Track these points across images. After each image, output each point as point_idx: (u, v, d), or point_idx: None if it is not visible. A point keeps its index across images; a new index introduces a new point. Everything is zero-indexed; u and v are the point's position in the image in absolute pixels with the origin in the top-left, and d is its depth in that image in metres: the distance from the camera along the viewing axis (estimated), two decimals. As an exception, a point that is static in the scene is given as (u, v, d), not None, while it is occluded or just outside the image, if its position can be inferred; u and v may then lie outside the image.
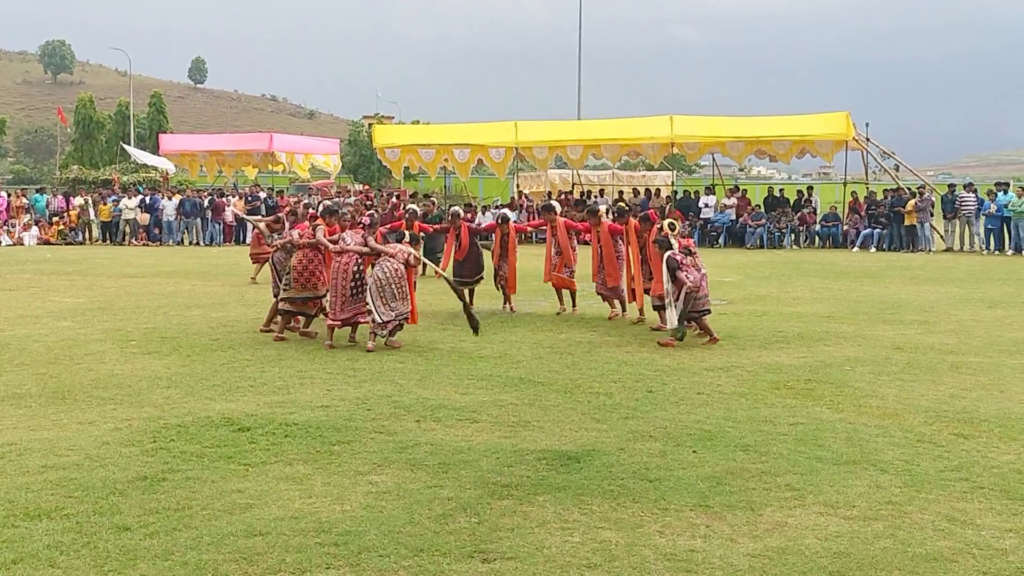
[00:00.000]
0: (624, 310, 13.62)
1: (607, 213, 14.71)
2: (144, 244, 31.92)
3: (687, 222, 30.37)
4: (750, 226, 29.47)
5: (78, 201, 33.71)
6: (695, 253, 11.81)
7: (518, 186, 39.44)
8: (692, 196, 32.26)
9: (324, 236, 11.49)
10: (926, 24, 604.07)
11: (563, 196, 35.15)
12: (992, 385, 9.09)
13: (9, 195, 35.13)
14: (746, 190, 33.28)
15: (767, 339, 11.70)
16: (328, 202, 18.56)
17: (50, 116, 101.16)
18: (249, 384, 9.13)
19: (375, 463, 6.50)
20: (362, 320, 11.26)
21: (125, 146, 43.32)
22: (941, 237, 28.39)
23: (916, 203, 27.26)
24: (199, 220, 32.60)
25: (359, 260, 11.27)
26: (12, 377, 9.45)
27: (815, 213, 30.44)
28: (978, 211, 26.94)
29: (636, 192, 34.62)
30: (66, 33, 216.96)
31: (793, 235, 29.50)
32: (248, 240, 21.32)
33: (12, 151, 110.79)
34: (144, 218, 32.70)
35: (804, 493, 5.90)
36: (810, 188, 33.41)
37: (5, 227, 32.08)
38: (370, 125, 56.13)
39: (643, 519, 5.47)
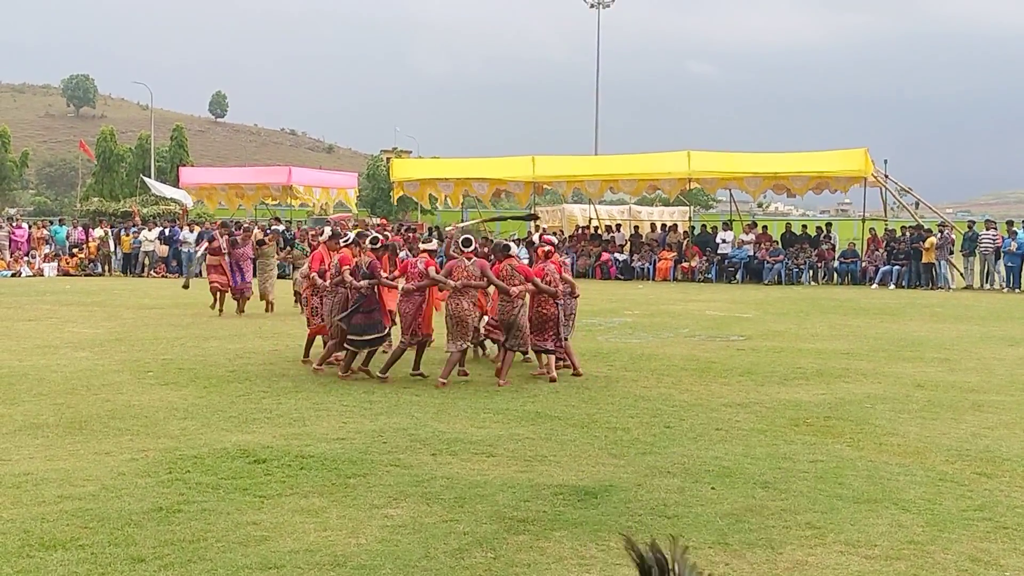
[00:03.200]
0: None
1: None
2: (162, 276, 32.06)
3: (704, 257, 30.36)
4: (768, 262, 29.38)
5: (98, 233, 33.96)
6: None
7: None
8: (710, 231, 32.21)
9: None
10: (945, 61, 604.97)
11: (580, 230, 35.20)
12: (1015, 424, 8.99)
13: (30, 226, 35.43)
14: (766, 226, 33.24)
15: (786, 375, 11.62)
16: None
17: (72, 149, 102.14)
18: (265, 416, 9.12)
19: (391, 496, 6.47)
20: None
21: (145, 179, 43.63)
22: (961, 275, 28.23)
23: (936, 240, 27.13)
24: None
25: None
26: (30, 407, 9.47)
27: (833, 249, 30.33)
28: (999, 249, 26.76)
29: (653, 227, 34.62)
30: (89, 67, 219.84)
31: (811, 271, 29.38)
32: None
33: (34, 183, 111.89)
34: (163, 250, 32.90)
35: (825, 532, 5.82)
36: (828, 224, 33.32)
37: (26, 258, 32.32)
38: (388, 159, 56.43)
39: (661, 556, 5.39)
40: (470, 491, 6.59)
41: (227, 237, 19.14)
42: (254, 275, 19.45)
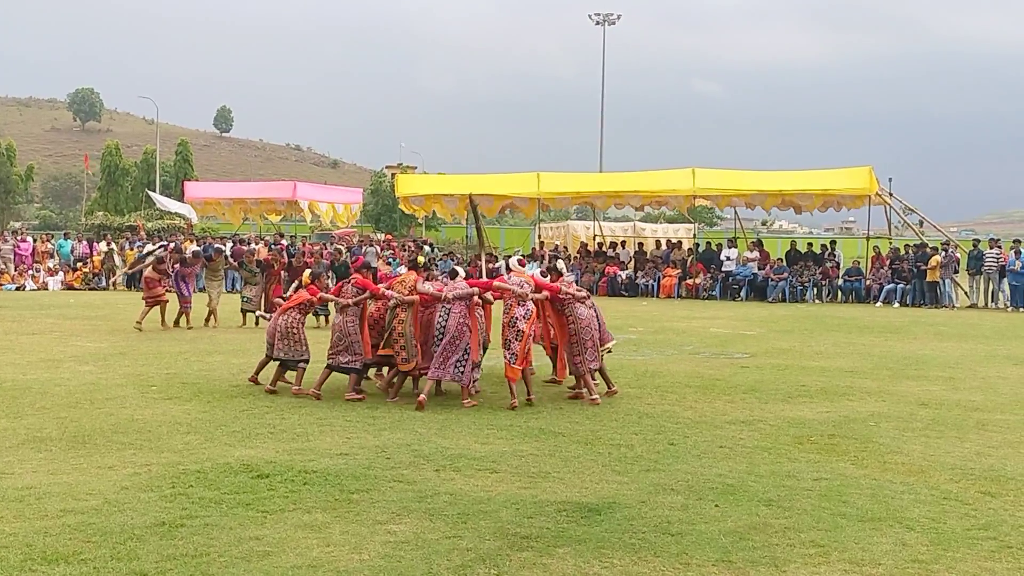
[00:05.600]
0: None
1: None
2: (167, 290, 32.02)
3: (709, 275, 30.35)
4: (772, 280, 29.37)
5: (102, 247, 34.01)
6: None
7: (539, 236, 39.52)
8: (714, 249, 32.21)
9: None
10: (949, 81, 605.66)
11: (584, 247, 35.23)
12: (1019, 443, 8.96)
13: (35, 240, 35.51)
14: (762, 241, 33.21)
15: (790, 393, 11.60)
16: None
17: (77, 163, 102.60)
18: (268, 431, 9.11)
19: (394, 512, 6.46)
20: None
21: (150, 193, 43.76)
22: (965, 293, 28.19)
23: (940, 259, 27.11)
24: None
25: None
26: (33, 421, 9.47)
27: (838, 267, 30.32)
28: (1004, 268, 26.72)
29: (658, 244, 34.64)
30: (95, 81, 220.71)
31: (815, 289, 29.37)
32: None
33: (39, 197, 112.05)
34: (168, 264, 32.90)
35: (829, 550, 5.81)
36: (833, 242, 33.32)
37: (30, 272, 32.37)
38: (393, 175, 56.56)
39: (665, 574, 5.39)
40: (473, 507, 6.58)
41: (176, 259, 19.38)
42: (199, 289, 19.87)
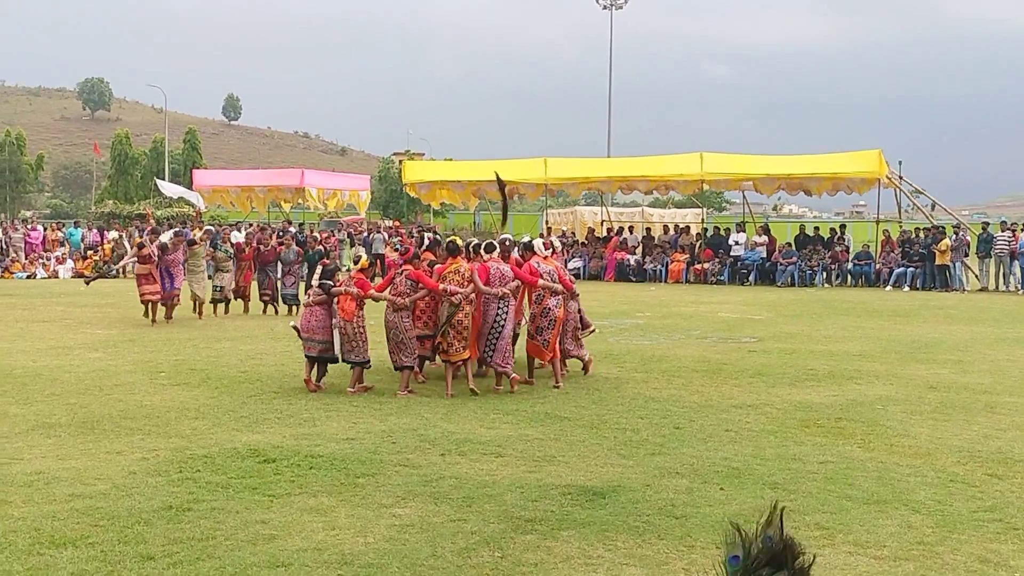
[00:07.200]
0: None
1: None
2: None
3: (717, 259, 30.27)
4: (781, 264, 29.28)
5: (112, 235, 34.12)
6: None
7: (547, 222, 39.45)
8: (722, 233, 32.12)
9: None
10: (960, 63, 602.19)
11: (591, 233, 35.16)
12: (1027, 425, 8.94)
13: (45, 229, 35.64)
14: (769, 226, 33.08)
15: (797, 377, 11.58)
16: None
17: (87, 152, 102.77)
18: (276, 416, 9.15)
19: (399, 496, 6.48)
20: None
21: (158, 181, 43.82)
22: (976, 276, 28.08)
23: (951, 242, 26.99)
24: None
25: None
26: (43, 407, 9.53)
27: (847, 251, 30.20)
28: (1015, 251, 26.59)
29: (666, 229, 34.56)
30: (104, 71, 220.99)
31: (825, 273, 29.27)
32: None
33: (49, 186, 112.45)
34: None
35: (834, 532, 5.81)
36: (843, 226, 33.19)
37: (41, 260, 32.50)
38: (400, 162, 56.46)
39: (669, 556, 5.40)
40: (478, 491, 6.60)
41: (157, 244, 18.29)
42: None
